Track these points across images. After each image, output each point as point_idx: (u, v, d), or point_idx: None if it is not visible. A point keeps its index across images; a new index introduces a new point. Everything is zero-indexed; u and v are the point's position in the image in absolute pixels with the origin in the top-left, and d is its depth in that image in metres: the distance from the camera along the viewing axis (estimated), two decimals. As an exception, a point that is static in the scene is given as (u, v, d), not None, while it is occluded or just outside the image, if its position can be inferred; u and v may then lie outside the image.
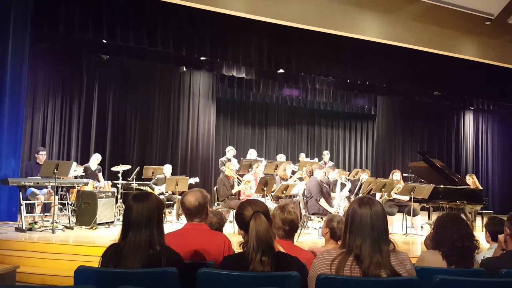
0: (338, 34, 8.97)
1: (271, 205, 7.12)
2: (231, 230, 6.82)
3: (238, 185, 7.94)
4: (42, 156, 7.52)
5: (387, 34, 9.25)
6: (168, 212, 8.76)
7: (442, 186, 8.32)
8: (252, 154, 9.85)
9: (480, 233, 4.39)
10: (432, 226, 2.99)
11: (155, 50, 8.68)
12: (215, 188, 8.09)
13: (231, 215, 7.29)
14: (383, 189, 7.56)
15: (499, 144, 14.98)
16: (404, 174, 9.19)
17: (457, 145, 14.87)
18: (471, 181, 8.98)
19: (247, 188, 7.83)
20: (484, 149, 15.01)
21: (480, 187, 9.12)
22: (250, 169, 8.53)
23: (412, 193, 7.54)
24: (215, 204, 7.96)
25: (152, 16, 8.14)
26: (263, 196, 7.27)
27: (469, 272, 2.63)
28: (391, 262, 2.07)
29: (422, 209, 8.75)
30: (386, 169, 13.23)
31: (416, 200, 7.85)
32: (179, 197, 7.93)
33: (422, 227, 7.99)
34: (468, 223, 2.92)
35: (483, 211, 9.16)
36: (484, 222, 3.67)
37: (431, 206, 8.75)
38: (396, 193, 7.86)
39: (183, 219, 6.54)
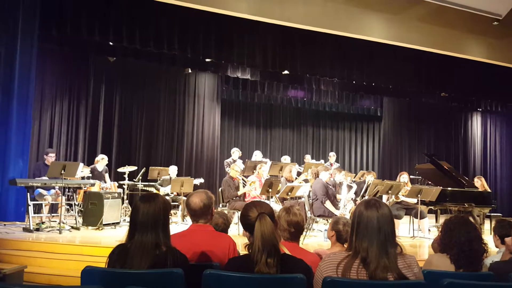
0: (344, 35, 8.96)
1: (276, 207, 7.11)
2: (236, 232, 6.82)
3: (243, 186, 7.94)
4: (50, 158, 7.55)
5: (393, 35, 9.22)
6: (173, 213, 8.77)
7: (449, 188, 8.26)
8: (257, 155, 9.85)
9: (488, 236, 4.34)
10: (440, 229, 2.97)
11: (160, 52, 8.71)
12: (220, 189, 8.10)
13: (236, 217, 7.29)
14: (389, 191, 7.52)
15: (507, 146, 14.86)
16: (411, 176, 9.14)
17: (465, 147, 14.77)
18: (479, 183, 8.91)
19: (252, 190, 7.82)
20: (492, 151, 14.90)
21: (489, 190, 9.04)
22: (254, 171, 8.53)
23: (419, 195, 7.50)
24: (220, 205, 7.96)
25: (158, 19, 8.17)
26: (268, 198, 7.27)
27: (477, 275, 2.61)
28: (398, 265, 2.06)
29: (430, 211, 8.69)
30: (392, 171, 13.18)
31: (423, 203, 7.80)
32: (184, 198, 7.95)
33: (429, 230, 7.94)
34: (476, 226, 2.89)
35: (492, 214, 9.08)
36: (493, 225, 3.62)
37: (438, 209, 8.70)
38: (403, 195, 7.82)
39: (188, 220, 6.56)
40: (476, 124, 14.88)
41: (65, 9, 7.63)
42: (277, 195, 7.48)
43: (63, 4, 7.65)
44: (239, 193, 7.76)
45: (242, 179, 8.05)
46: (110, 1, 7.90)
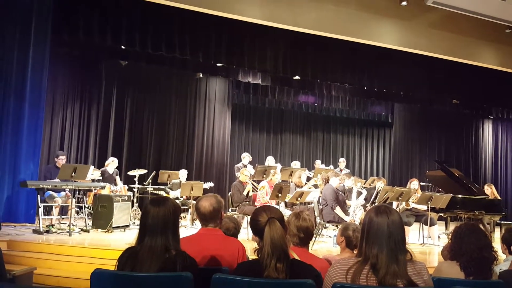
0: (355, 41, 8.94)
1: (285, 211, 7.10)
2: (245, 236, 6.81)
3: (253, 191, 7.93)
4: (61, 161, 7.63)
5: (405, 41, 9.18)
6: (183, 217, 8.79)
7: (460, 195, 8.19)
8: (269, 161, 9.86)
9: (498, 244, 4.30)
10: (450, 236, 2.94)
11: (172, 56, 8.77)
12: (229, 193, 8.10)
13: (245, 221, 7.29)
14: (399, 198, 7.48)
15: (518, 153, 14.71)
16: (421, 183, 9.08)
17: (476, 154, 14.63)
18: (490, 191, 8.84)
19: (262, 196, 7.82)
20: (503, 159, 14.74)
21: (499, 197, 8.97)
22: (264, 175, 8.53)
23: (429, 202, 7.45)
24: (229, 209, 7.96)
25: (170, 23, 8.23)
26: (277, 203, 7.25)
27: (487, 283, 2.58)
28: (408, 272, 2.05)
29: (440, 219, 8.62)
30: (403, 178, 13.09)
31: (433, 210, 7.74)
32: (194, 202, 7.96)
33: (439, 237, 7.88)
34: (487, 234, 2.87)
35: (502, 221, 8.99)
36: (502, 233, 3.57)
37: (448, 216, 8.62)
38: (413, 202, 7.77)
39: (198, 224, 6.57)
40: (487, 132, 14.75)
41: (78, 13, 7.71)
42: (286, 200, 7.47)
43: (76, 8, 7.73)
44: (244, 192, 7.77)
45: (252, 184, 8.04)
46: (122, 5, 7.97)
